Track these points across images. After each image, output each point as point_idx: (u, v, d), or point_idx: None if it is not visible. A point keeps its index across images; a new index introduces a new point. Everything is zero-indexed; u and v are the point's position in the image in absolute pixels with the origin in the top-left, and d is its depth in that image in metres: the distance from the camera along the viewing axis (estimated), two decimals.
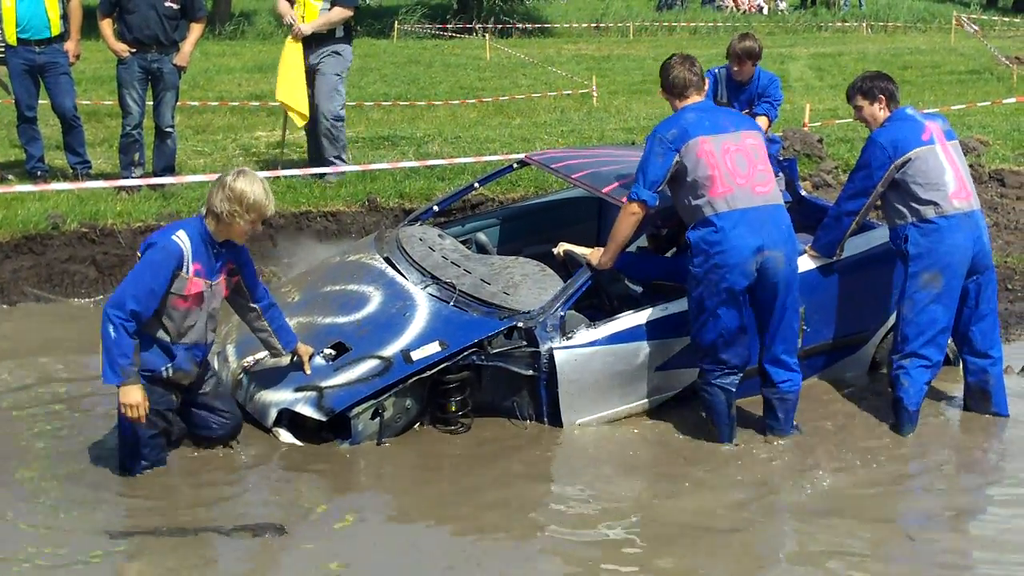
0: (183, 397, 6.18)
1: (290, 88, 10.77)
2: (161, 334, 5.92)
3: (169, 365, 5.94)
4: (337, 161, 11.03)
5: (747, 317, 6.62)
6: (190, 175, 10.80)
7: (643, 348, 6.83)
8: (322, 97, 10.81)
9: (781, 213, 6.62)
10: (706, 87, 6.92)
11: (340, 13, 10.82)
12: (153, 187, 10.39)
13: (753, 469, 6.51)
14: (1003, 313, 8.33)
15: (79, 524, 5.65)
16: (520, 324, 6.64)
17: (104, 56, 13.06)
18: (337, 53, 10.90)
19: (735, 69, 8.58)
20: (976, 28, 29.22)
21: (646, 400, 6.99)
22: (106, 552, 5.41)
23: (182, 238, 5.85)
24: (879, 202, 7.04)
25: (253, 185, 5.89)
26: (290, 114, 10.99)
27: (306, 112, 10.80)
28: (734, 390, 6.73)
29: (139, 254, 5.92)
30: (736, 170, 6.48)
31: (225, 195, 5.86)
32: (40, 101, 10.74)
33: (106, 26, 10.38)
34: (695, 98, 6.75)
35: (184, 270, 5.85)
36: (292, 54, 10.73)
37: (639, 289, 7.54)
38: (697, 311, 6.61)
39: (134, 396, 5.75)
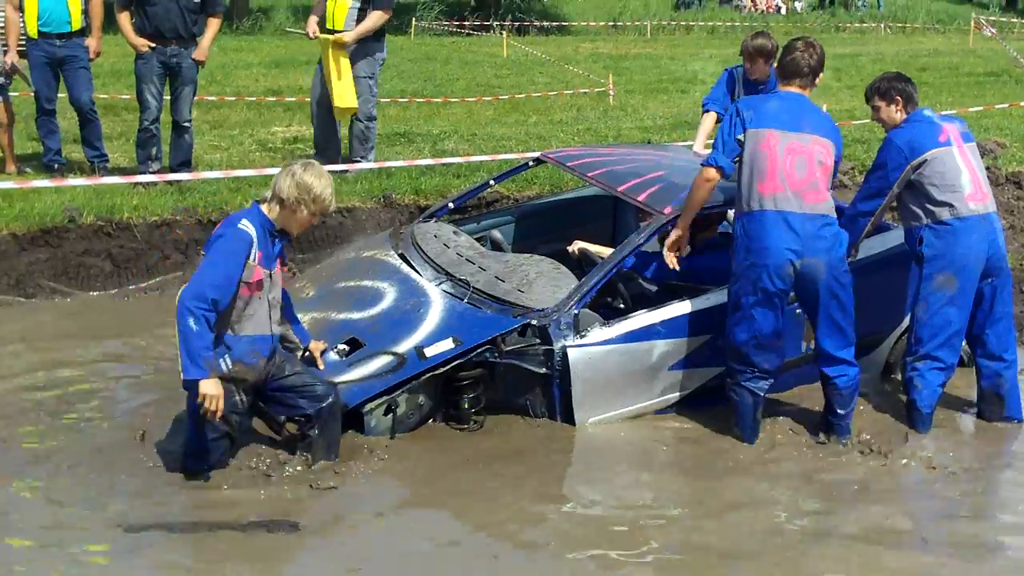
0: (253, 398, 6.09)
1: (345, 91, 10.78)
2: (220, 327, 5.82)
3: (228, 357, 5.85)
4: (361, 159, 11.05)
5: (784, 323, 6.62)
6: (206, 170, 10.83)
7: (657, 347, 6.83)
8: (357, 99, 10.83)
9: (826, 222, 6.54)
10: (816, 83, 6.86)
11: (380, 17, 10.79)
12: (169, 181, 10.40)
13: (770, 469, 6.52)
14: (1019, 316, 8.29)
15: (93, 518, 5.65)
16: (534, 322, 6.65)
17: (122, 50, 13.08)
18: (369, 54, 10.90)
19: (748, 67, 8.55)
20: (994, 30, 29.12)
21: (659, 399, 6.99)
22: (121, 546, 5.42)
23: (248, 226, 5.84)
24: (895, 203, 7.04)
25: (321, 179, 5.92)
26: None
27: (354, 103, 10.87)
28: (762, 395, 6.74)
29: (204, 251, 5.88)
30: (792, 173, 6.48)
31: (295, 182, 5.87)
32: (58, 95, 10.77)
33: (124, 20, 10.39)
34: (794, 88, 6.75)
35: (251, 257, 5.85)
36: (335, 57, 10.68)
37: (653, 288, 7.53)
38: (733, 308, 6.64)
39: (215, 388, 5.71)
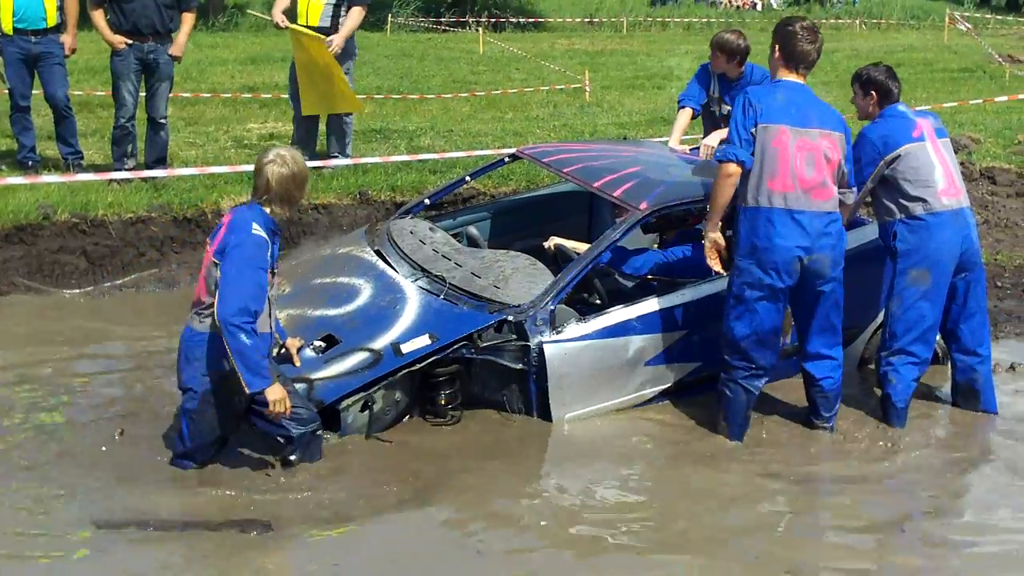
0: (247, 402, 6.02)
1: (318, 96, 10.79)
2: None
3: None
4: (339, 155, 11.06)
5: (782, 319, 6.63)
6: (182, 167, 10.80)
7: (633, 343, 6.84)
8: None
9: (835, 219, 6.54)
10: (806, 73, 6.72)
11: (360, 13, 10.84)
12: (145, 178, 10.37)
13: (748, 466, 6.53)
14: (992, 311, 8.34)
15: (66, 515, 5.64)
16: (510, 318, 6.65)
17: (97, 47, 13.03)
18: (348, 50, 10.91)
19: (712, 61, 8.47)
20: (969, 26, 29.27)
21: (636, 395, 7.00)
22: (92, 544, 5.41)
23: (259, 230, 5.78)
24: (869, 198, 7.07)
25: (297, 162, 5.91)
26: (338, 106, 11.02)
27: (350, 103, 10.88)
28: (756, 393, 6.75)
29: (216, 260, 5.75)
30: (803, 171, 6.43)
31: (286, 176, 5.83)
32: (33, 91, 10.72)
33: (99, 17, 10.34)
34: (798, 77, 6.65)
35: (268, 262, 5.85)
36: (323, 57, 10.69)
37: (630, 284, 7.54)
38: (735, 302, 6.61)
39: (281, 391, 5.74)
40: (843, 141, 6.61)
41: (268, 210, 5.89)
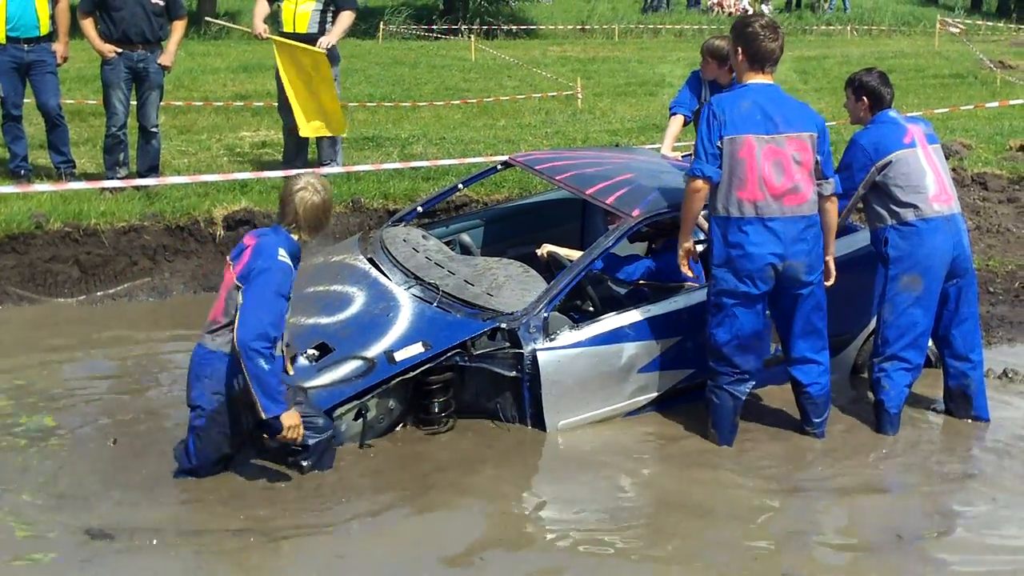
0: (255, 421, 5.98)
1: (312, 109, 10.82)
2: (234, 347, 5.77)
3: (240, 376, 5.78)
4: (331, 164, 11.06)
5: (763, 324, 6.64)
6: (174, 175, 10.79)
7: (626, 350, 6.85)
8: None
9: (810, 223, 6.53)
10: (772, 70, 6.73)
11: (349, 17, 10.88)
12: (137, 187, 10.37)
13: (742, 473, 6.54)
14: (984, 316, 8.36)
15: (57, 523, 5.63)
16: (503, 325, 6.65)
17: (89, 55, 13.01)
18: (334, 56, 10.91)
19: (702, 67, 8.49)
20: (959, 29, 29.32)
21: (630, 402, 7.00)
22: (83, 552, 5.40)
23: (285, 256, 5.82)
24: (860, 205, 7.08)
25: (325, 190, 6.02)
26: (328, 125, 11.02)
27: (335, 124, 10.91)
28: (743, 398, 6.76)
29: (240, 284, 5.77)
30: (771, 179, 6.43)
31: (317, 205, 5.91)
32: (25, 100, 10.71)
33: (88, 26, 10.35)
34: (763, 77, 6.66)
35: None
36: (319, 71, 10.70)
37: (623, 291, 7.54)
38: (714, 310, 6.63)
39: (296, 418, 5.81)
40: (815, 139, 6.57)
41: (296, 237, 5.93)
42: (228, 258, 6.04)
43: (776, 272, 6.48)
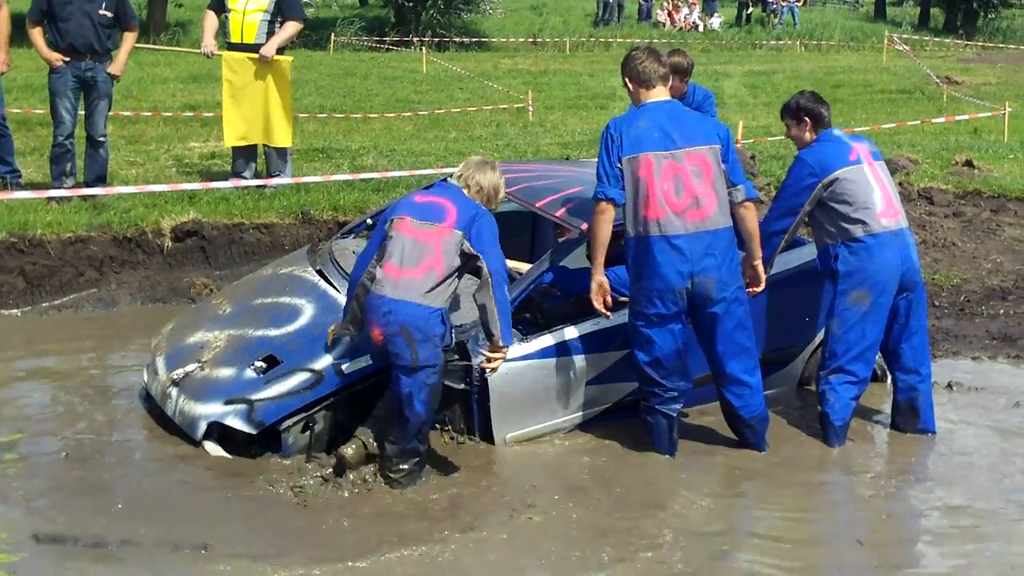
0: None
1: (246, 124, 10.80)
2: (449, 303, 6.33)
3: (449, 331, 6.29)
4: (280, 174, 11.02)
5: (683, 342, 6.64)
6: (121, 186, 10.72)
7: (575, 362, 6.86)
8: None
9: (717, 238, 6.50)
10: (670, 82, 6.83)
11: (295, 27, 10.86)
12: (84, 197, 10.29)
13: (687, 484, 6.55)
14: (931, 330, 8.43)
15: (6, 527, 5.60)
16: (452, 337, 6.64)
17: (35, 64, 12.95)
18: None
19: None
20: (907, 48, 29.66)
21: (579, 414, 7.00)
22: (31, 556, 5.38)
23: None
24: (807, 220, 7.12)
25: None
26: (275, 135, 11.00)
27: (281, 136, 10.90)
28: (675, 416, 6.76)
29: (462, 232, 6.21)
30: (670, 196, 6.44)
31: (499, 184, 6.63)
32: None
33: (37, 35, 10.29)
34: (657, 95, 6.70)
35: None
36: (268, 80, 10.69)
37: (572, 303, 7.54)
38: (633, 333, 6.65)
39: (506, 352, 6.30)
40: (717, 151, 6.55)
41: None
42: (418, 219, 6.29)
43: (687, 291, 6.49)
